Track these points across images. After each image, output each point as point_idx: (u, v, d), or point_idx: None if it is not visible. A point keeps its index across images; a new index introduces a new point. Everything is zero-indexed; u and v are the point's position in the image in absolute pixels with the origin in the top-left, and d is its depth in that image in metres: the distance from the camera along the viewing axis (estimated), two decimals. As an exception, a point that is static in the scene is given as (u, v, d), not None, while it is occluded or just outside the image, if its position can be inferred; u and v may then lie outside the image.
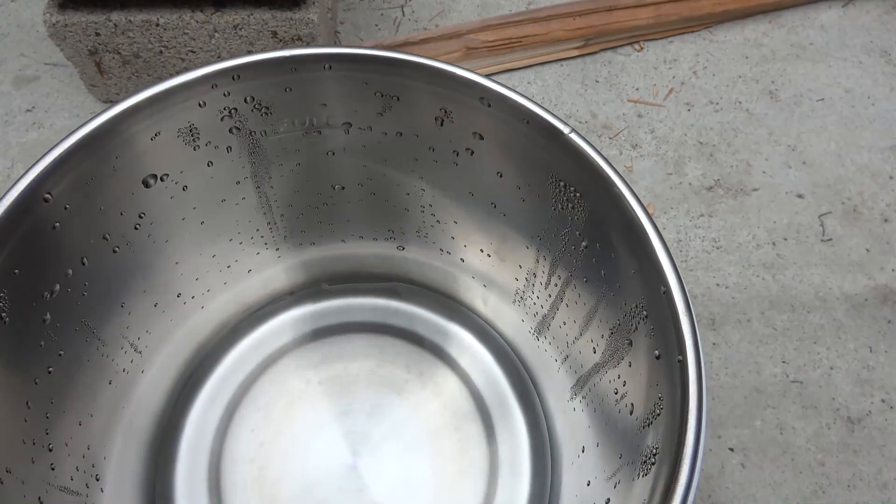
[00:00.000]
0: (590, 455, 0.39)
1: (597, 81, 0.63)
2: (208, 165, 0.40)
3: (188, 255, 0.44)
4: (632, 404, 0.34)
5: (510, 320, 0.49)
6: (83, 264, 0.37)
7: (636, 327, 0.34)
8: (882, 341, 0.51)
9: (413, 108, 0.38)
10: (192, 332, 0.48)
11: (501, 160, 0.39)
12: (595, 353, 0.39)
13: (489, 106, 0.36)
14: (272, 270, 0.50)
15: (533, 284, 0.44)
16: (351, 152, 0.42)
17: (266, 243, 0.48)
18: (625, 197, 0.33)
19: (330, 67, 0.36)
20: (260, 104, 0.38)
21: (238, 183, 0.43)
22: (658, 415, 0.31)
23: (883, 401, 0.49)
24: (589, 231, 0.36)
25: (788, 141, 0.61)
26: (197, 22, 0.55)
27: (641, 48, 0.64)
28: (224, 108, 0.37)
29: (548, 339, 0.46)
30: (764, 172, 0.59)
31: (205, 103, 0.37)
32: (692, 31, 0.67)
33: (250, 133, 0.40)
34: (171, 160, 0.38)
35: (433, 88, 0.37)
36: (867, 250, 0.55)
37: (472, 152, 0.39)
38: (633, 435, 0.34)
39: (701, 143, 0.59)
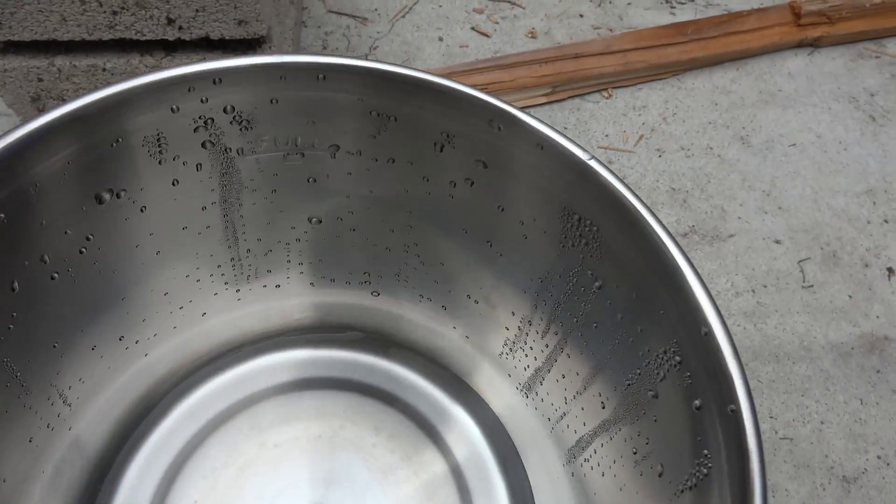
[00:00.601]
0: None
1: (565, 128, 0.61)
2: (173, 184, 0.35)
3: (137, 291, 0.38)
4: (661, 465, 0.30)
5: (495, 376, 0.44)
6: (13, 290, 0.30)
7: (664, 376, 0.30)
8: (872, 392, 0.49)
9: (411, 131, 0.34)
10: (131, 383, 0.41)
11: (505, 192, 0.35)
12: (604, 408, 0.35)
13: (499, 129, 0.32)
14: (230, 316, 0.44)
15: (527, 334, 0.40)
16: (335, 180, 0.38)
17: (227, 283, 0.42)
18: (653, 229, 0.29)
19: (324, 78, 0.32)
20: (240, 116, 0.33)
21: (204, 209, 0.37)
22: (705, 476, 0.26)
23: (879, 457, 0.46)
24: (606, 270, 0.32)
25: (763, 186, 0.60)
26: (146, 66, 0.51)
27: (610, 95, 0.63)
28: (199, 118, 0.32)
29: (540, 396, 0.41)
30: (739, 218, 0.58)
31: (178, 108, 0.32)
32: (660, 79, 0.67)
33: (225, 150, 0.35)
34: (131, 173, 0.32)
35: (437, 108, 0.33)
36: (850, 297, 0.54)
37: (473, 183, 0.35)
38: (663, 502, 0.29)
39: (673, 188, 0.57)
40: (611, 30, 0.69)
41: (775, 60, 0.70)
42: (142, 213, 0.35)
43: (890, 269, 0.54)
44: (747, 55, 0.69)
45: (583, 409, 0.37)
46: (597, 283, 0.33)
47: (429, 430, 0.44)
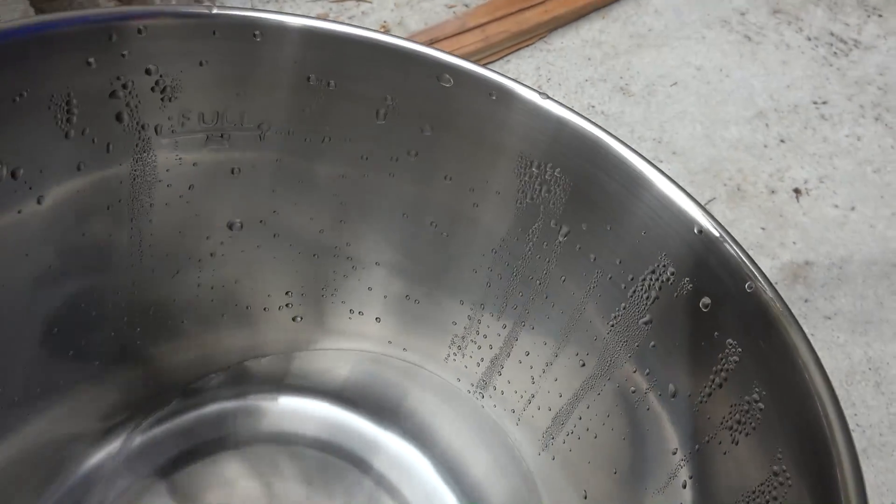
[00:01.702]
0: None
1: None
2: (78, 169, 0.29)
3: (12, 323, 0.30)
4: (673, 386, 0.28)
5: (441, 388, 0.40)
6: None
7: (655, 296, 0.29)
8: (805, 323, 0.49)
9: (349, 98, 0.32)
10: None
11: (453, 157, 0.33)
12: (584, 365, 0.33)
13: (449, 84, 0.31)
14: (121, 371, 0.36)
15: (479, 321, 0.37)
16: (261, 170, 0.34)
17: (126, 319, 0.35)
18: (615, 149, 0.30)
19: (260, 35, 0.30)
20: (163, 81, 0.29)
21: (109, 208, 0.31)
22: (732, 369, 0.25)
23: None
24: (572, 213, 0.32)
25: (653, 134, 0.59)
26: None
27: (478, 75, 0.63)
28: (118, 78, 0.28)
29: (499, 389, 0.38)
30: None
31: (94, 62, 0.27)
32: (527, 46, 0.63)
33: (141, 127, 0.30)
34: (31, 144, 0.26)
35: (381, 70, 0.31)
36: (763, 229, 0.53)
37: (417, 154, 0.34)
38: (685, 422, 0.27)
39: (564, 153, 0.57)
40: (466, 5, 0.65)
41: (639, 1, 0.67)
42: (38, 205, 0.28)
43: (796, 190, 0.53)
44: (610, 1, 0.65)
45: (556, 379, 0.35)
46: (562, 231, 0.32)
47: (367, 471, 0.39)
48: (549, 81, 0.62)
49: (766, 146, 0.60)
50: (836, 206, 0.57)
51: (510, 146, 0.32)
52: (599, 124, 0.30)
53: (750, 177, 0.57)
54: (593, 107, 0.60)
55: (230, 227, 0.35)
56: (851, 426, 0.46)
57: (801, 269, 0.52)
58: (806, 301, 0.51)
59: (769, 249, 0.53)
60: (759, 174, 0.58)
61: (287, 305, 0.39)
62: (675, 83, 0.62)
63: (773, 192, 0.56)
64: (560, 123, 0.31)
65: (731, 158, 0.58)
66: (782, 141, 0.60)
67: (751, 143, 0.59)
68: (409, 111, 0.33)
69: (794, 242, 0.53)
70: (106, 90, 0.28)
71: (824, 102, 0.64)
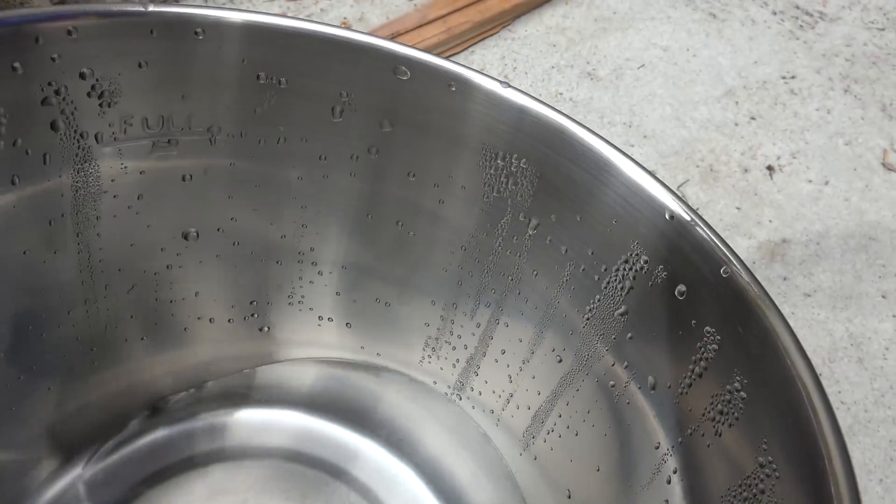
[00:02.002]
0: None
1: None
2: (12, 183, 0.27)
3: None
4: (653, 378, 0.27)
5: (419, 392, 0.39)
6: None
7: (629, 286, 0.28)
8: (785, 303, 0.49)
9: (303, 96, 0.31)
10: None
11: (414, 153, 0.32)
12: (562, 361, 0.32)
13: (406, 76, 0.30)
14: (77, 394, 0.34)
15: (452, 321, 0.36)
16: (214, 176, 0.32)
17: (78, 338, 0.33)
18: (587, 142, 0.28)
19: (203, 34, 0.28)
20: (100, 85, 0.27)
21: (51, 223, 0.29)
22: (714, 353, 0.24)
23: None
24: (541, 205, 0.30)
25: (622, 119, 0.58)
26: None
27: (444, 66, 0.61)
28: (49, 84, 0.26)
29: (477, 390, 0.37)
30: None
31: (21, 67, 0.25)
32: (491, 35, 0.62)
33: (80, 135, 0.28)
34: (-43, 160, 0.25)
35: (333, 65, 0.30)
36: (738, 209, 0.53)
37: (378, 151, 0.32)
38: (668, 408, 0.26)
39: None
40: (429, -5, 0.62)
41: (602, -18, 0.65)
42: (-31, 224, 0.26)
43: (769, 168, 0.52)
44: (572, -16, 0.63)
45: (534, 376, 0.34)
46: (532, 224, 0.31)
47: (349, 482, 0.37)
48: (515, 70, 0.60)
49: (736, 124, 0.59)
50: (810, 181, 0.57)
51: (473, 138, 0.31)
52: (562, 111, 0.29)
53: (722, 156, 0.56)
54: (561, 94, 0.58)
55: (185, 237, 0.34)
56: (836, 404, 0.45)
57: (778, 248, 0.51)
58: (785, 279, 0.50)
59: (745, 229, 0.52)
60: (732, 153, 0.57)
61: (252, 316, 0.38)
62: (643, 65, 0.61)
63: (746, 170, 0.55)
64: (522, 112, 0.29)
65: (703, 139, 0.57)
66: (753, 118, 0.59)
67: (721, 122, 0.58)
68: (367, 107, 0.31)
69: (769, 220, 0.53)
70: (37, 97, 0.26)
71: (793, 77, 0.64)
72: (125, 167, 0.30)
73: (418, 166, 0.33)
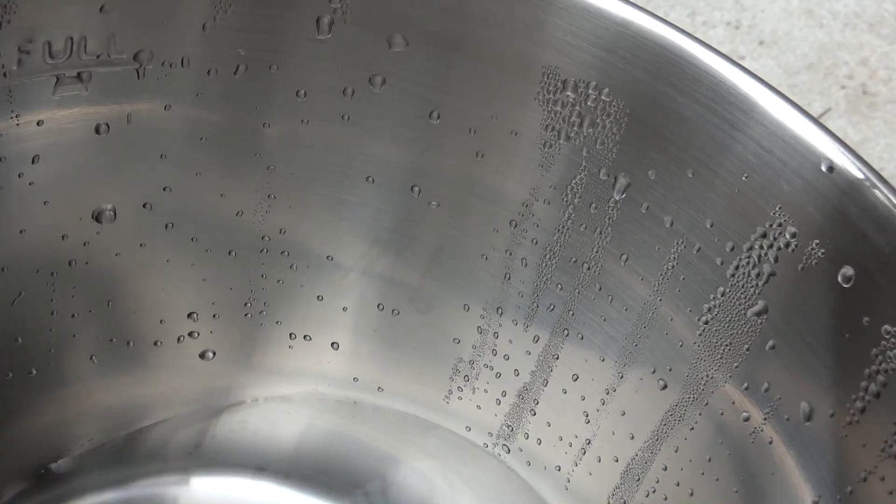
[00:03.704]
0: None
1: None
2: None
3: None
4: (807, 404, 0.30)
5: (445, 444, 0.41)
6: None
7: (770, 271, 0.30)
8: None
9: (274, 2, 0.33)
10: None
11: (442, 80, 0.34)
12: (667, 387, 0.34)
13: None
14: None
15: (496, 334, 0.38)
16: (141, 124, 0.35)
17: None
18: (704, 63, 0.31)
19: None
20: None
21: None
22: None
23: None
24: (637, 155, 0.32)
25: (725, 16, 0.58)
26: None
27: None
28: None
29: (534, 437, 0.39)
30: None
31: None
32: None
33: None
34: None
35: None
36: None
37: (384, 81, 0.35)
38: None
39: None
40: None
41: None
42: None
43: None
44: None
45: (624, 413, 0.36)
46: (619, 185, 0.33)
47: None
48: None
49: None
50: None
51: (529, 59, 0.33)
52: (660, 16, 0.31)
53: (881, 71, 0.57)
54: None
55: (97, 217, 0.36)
56: None
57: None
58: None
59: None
60: (894, 64, 0.58)
61: (191, 335, 0.40)
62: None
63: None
64: (615, 23, 0.31)
65: (850, 44, 0.58)
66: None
67: (877, 18, 0.59)
68: (369, 15, 0.33)
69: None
70: None
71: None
72: (16, 116, 0.32)
73: (444, 103, 0.35)
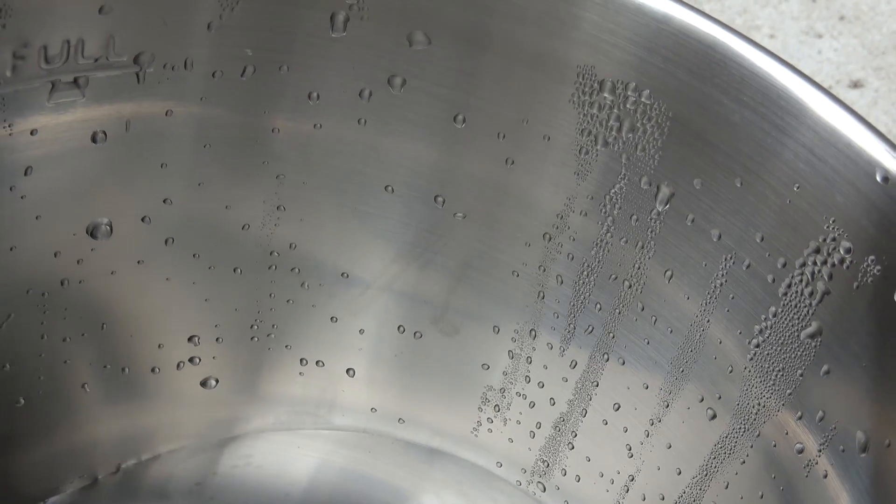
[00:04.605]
0: None
1: None
2: None
3: None
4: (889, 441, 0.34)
5: (473, 481, 0.45)
6: None
7: (825, 290, 0.34)
8: None
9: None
10: None
11: (468, 80, 0.38)
12: (716, 417, 0.38)
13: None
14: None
15: (528, 359, 0.42)
16: (141, 131, 0.39)
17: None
18: (751, 64, 0.34)
19: None
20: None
21: None
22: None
23: None
24: (679, 161, 0.36)
25: None
26: None
27: None
28: None
29: (572, 473, 0.43)
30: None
31: None
32: None
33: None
34: None
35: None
36: None
37: (405, 82, 0.39)
38: None
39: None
40: None
41: None
42: None
43: None
44: None
45: (670, 446, 0.40)
46: (662, 195, 0.37)
47: None
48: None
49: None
50: None
51: (565, 58, 0.37)
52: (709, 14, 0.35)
53: None
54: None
55: (92, 232, 0.40)
56: None
57: None
58: None
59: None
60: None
61: (191, 361, 0.44)
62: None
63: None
64: (654, 20, 0.35)
65: None
66: None
67: None
68: (387, 11, 0.37)
69: None
70: None
71: None
72: (8, 126, 0.36)
73: (470, 105, 0.39)
